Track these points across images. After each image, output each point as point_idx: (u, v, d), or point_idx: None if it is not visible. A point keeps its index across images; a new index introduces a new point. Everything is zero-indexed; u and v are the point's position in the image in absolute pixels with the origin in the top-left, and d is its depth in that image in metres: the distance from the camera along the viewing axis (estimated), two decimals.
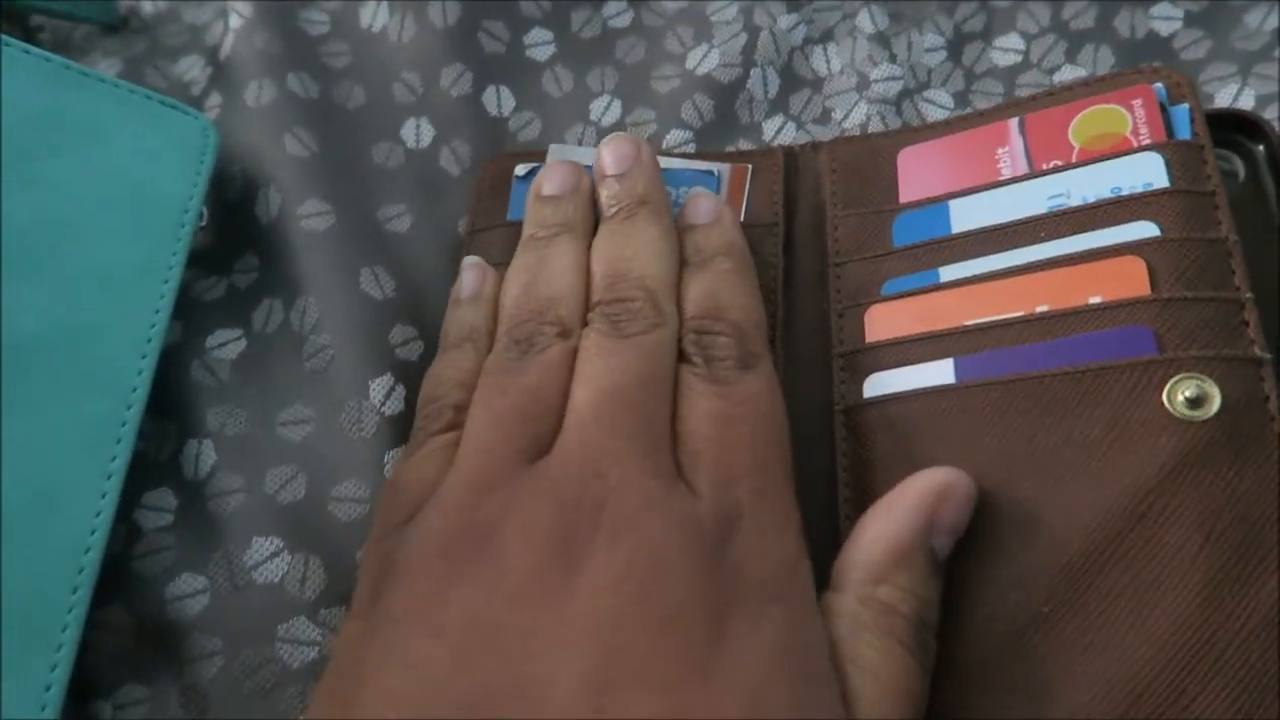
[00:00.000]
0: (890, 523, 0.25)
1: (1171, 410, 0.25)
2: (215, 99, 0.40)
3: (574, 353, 0.28)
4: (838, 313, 0.32)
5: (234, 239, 0.37)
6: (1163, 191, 0.28)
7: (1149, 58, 0.37)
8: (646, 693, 0.21)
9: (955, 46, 0.39)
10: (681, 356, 0.28)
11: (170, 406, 0.34)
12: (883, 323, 0.31)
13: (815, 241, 0.34)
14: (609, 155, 0.33)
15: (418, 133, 0.40)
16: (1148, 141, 0.30)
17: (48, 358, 0.29)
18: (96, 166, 0.32)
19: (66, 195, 0.31)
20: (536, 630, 0.22)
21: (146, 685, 0.30)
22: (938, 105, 0.38)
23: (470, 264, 0.33)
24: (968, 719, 0.24)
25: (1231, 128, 0.32)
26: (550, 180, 0.33)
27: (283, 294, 0.36)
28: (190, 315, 0.36)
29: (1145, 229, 0.28)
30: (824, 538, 0.28)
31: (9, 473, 0.28)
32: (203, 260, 0.37)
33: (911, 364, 0.29)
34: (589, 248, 0.31)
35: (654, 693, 0.21)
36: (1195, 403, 0.25)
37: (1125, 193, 0.29)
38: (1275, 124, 0.33)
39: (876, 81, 0.39)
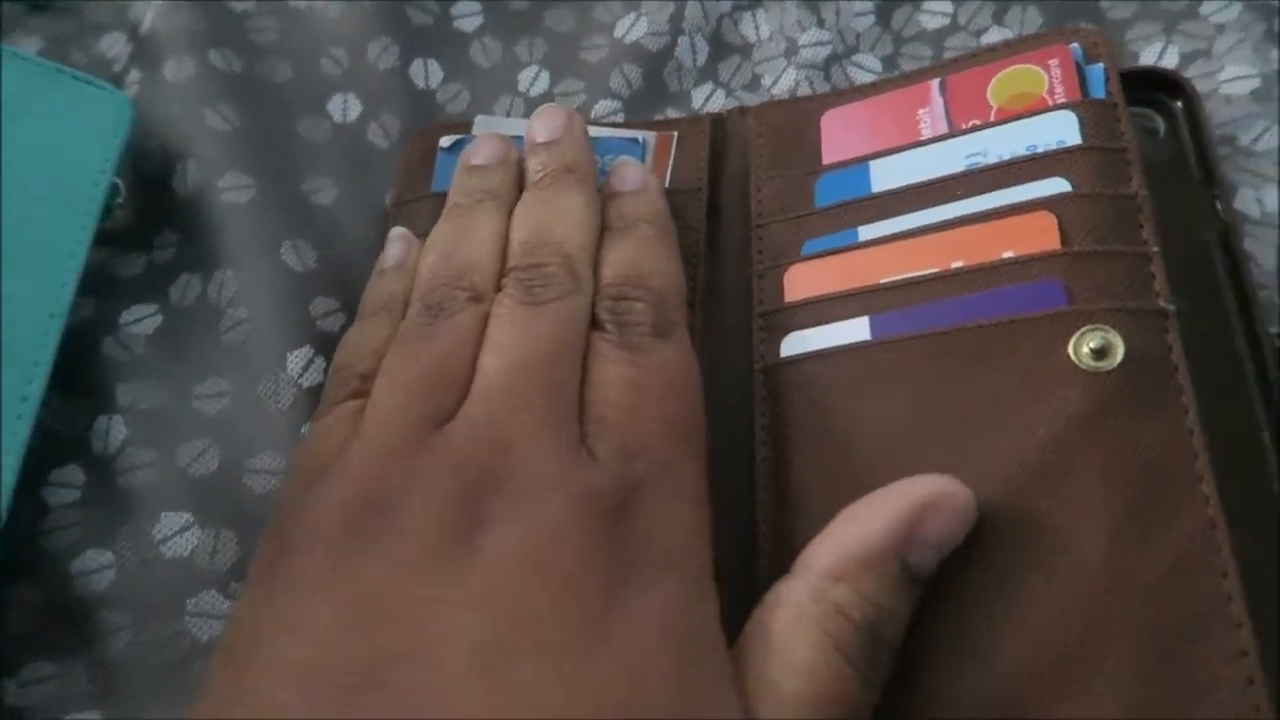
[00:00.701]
0: (865, 522, 0.24)
1: (1077, 362, 0.25)
2: (135, 75, 0.39)
3: (486, 318, 0.27)
4: (758, 274, 0.31)
5: (153, 215, 0.37)
6: (1075, 148, 0.28)
7: (1076, 18, 0.37)
8: (538, 656, 0.20)
9: (884, 11, 0.39)
10: (595, 324, 0.27)
11: (82, 384, 0.33)
12: (801, 282, 0.30)
13: (740, 207, 0.34)
14: (539, 125, 0.32)
15: (345, 107, 0.39)
16: (1063, 101, 0.30)
17: None
18: (4, 140, 0.32)
19: None
20: (434, 598, 0.21)
21: (54, 662, 0.30)
22: (866, 69, 0.38)
23: (397, 235, 0.33)
24: (898, 682, 0.24)
25: (1154, 86, 0.33)
26: (479, 151, 0.33)
27: (201, 268, 0.35)
28: (105, 292, 0.35)
29: (1058, 185, 0.28)
30: (744, 504, 0.28)
31: None
32: (121, 238, 0.36)
33: (828, 322, 0.29)
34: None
35: (545, 656, 0.20)
36: (1100, 354, 0.24)
37: (1040, 150, 0.29)
38: (1196, 82, 0.33)
39: (805, 47, 0.38)
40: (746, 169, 0.34)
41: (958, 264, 0.28)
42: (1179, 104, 0.32)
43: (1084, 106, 0.29)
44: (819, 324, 0.29)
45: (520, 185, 0.32)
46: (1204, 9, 0.36)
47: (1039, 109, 0.30)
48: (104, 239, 0.35)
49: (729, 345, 0.31)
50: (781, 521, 0.27)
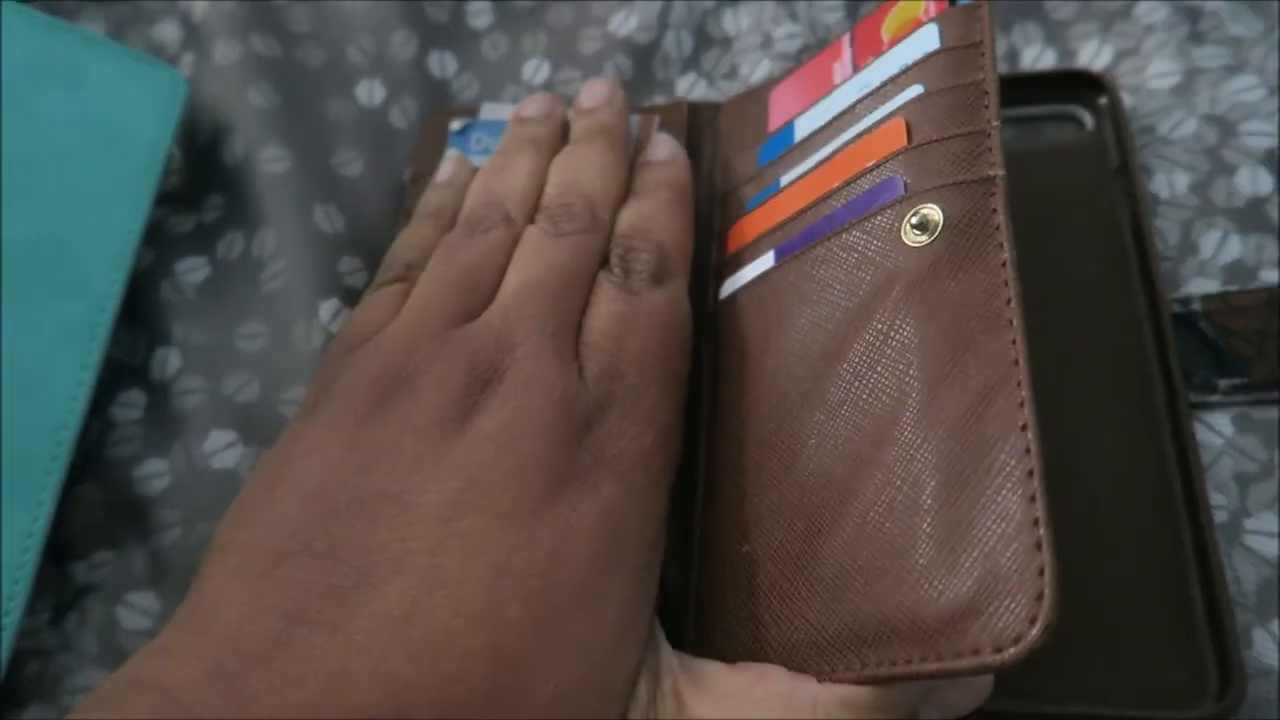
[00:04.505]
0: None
1: (906, 240, 0.27)
2: (189, 58, 0.45)
3: (516, 241, 0.32)
4: (716, 237, 0.36)
5: (203, 181, 0.43)
6: (931, 53, 0.30)
7: (1023, 16, 0.42)
8: (486, 516, 0.25)
9: (852, 8, 0.44)
10: (605, 264, 0.32)
11: (143, 319, 0.39)
12: (738, 235, 0.34)
13: (708, 184, 0.38)
14: (585, 93, 0.38)
15: (370, 92, 0.45)
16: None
17: (33, 264, 0.35)
18: (79, 107, 0.38)
19: (52, 130, 0.37)
20: (426, 458, 0.27)
21: (114, 550, 0.36)
22: None
23: (450, 156, 0.39)
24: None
25: (1084, 85, 0.38)
26: (530, 105, 0.38)
27: (244, 227, 0.41)
28: (162, 246, 0.41)
29: (914, 91, 0.30)
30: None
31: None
32: (176, 200, 0.42)
33: (750, 262, 0.33)
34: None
35: (491, 517, 0.25)
36: (921, 228, 0.27)
37: (910, 65, 0.31)
38: (1127, 76, 0.39)
39: (779, 39, 0.43)
40: (713, 154, 0.39)
41: (836, 184, 0.31)
42: (1104, 100, 0.38)
43: (943, 16, 0.31)
44: (745, 265, 0.33)
45: (563, 139, 0.37)
46: (1137, 10, 0.41)
47: (913, 30, 0.32)
48: (160, 201, 0.40)
49: (693, 303, 0.34)
50: (713, 446, 0.31)
